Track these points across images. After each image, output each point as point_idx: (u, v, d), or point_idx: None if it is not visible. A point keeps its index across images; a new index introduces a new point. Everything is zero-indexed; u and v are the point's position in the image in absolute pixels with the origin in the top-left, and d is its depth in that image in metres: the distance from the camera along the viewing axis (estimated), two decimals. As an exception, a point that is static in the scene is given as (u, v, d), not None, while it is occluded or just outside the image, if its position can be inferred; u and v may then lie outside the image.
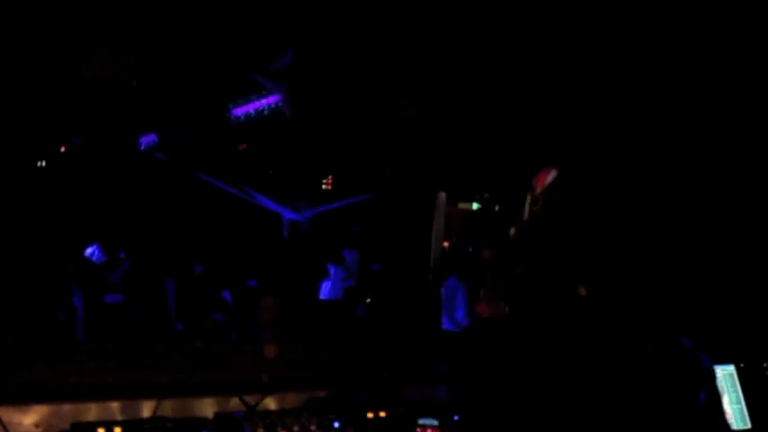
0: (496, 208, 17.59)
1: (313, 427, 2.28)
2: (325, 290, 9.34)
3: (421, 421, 2.42)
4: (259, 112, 7.74)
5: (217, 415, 2.44)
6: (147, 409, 2.46)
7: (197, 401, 2.57)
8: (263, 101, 7.63)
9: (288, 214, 9.26)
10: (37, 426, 2.33)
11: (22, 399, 2.36)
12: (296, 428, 2.25)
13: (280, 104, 7.43)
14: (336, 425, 2.33)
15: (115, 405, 2.48)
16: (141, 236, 9.15)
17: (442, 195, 14.63)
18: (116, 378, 2.60)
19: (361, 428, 2.33)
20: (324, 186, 11.27)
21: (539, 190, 1.64)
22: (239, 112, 7.99)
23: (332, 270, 9.12)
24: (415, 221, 12.45)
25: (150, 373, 2.69)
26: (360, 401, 2.74)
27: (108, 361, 2.78)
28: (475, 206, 18.22)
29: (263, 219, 9.28)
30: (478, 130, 9.16)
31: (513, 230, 1.69)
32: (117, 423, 2.21)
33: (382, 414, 2.48)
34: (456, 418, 2.54)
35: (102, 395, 2.49)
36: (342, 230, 10.19)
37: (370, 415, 2.47)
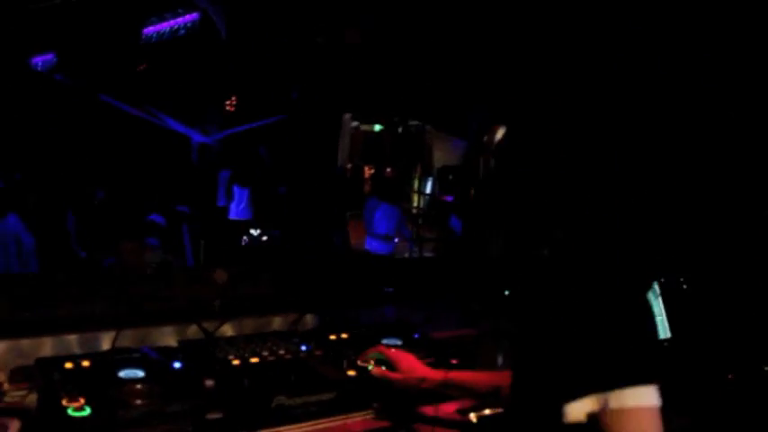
0: (399, 130, 17.70)
1: (282, 351, 2.31)
2: (233, 211, 9.32)
3: (384, 341, 2.49)
4: (174, 32, 7.39)
5: (182, 342, 2.44)
6: (106, 342, 2.43)
7: (155, 330, 2.56)
8: (180, 19, 7.28)
9: (197, 137, 9.03)
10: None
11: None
12: (265, 353, 2.28)
13: (196, 24, 7.13)
14: (304, 347, 2.37)
15: (72, 338, 2.43)
16: (39, 161, 8.75)
17: (347, 117, 14.64)
18: (69, 311, 2.53)
19: (328, 350, 2.38)
20: (227, 108, 11.01)
21: (491, 147, 1.64)
22: (151, 31, 7.60)
23: (237, 191, 9.08)
24: (322, 143, 12.42)
25: (103, 304, 2.63)
26: (318, 325, 2.80)
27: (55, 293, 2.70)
28: (377, 128, 18.28)
29: (170, 142, 9.01)
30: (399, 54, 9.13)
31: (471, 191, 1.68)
32: (83, 356, 2.17)
33: (344, 336, 2.54)
34: (416, 336, 2.63)
35: (57, 329, 2.44)
36: (249, 153, 10.02)
37: (332, 337, 2.52)
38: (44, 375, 2.03)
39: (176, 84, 8.60)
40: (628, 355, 1.39)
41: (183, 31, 7.25)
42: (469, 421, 2.20)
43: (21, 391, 2.18)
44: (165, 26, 7.39)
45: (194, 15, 7.09)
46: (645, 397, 1.37)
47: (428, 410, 2.22)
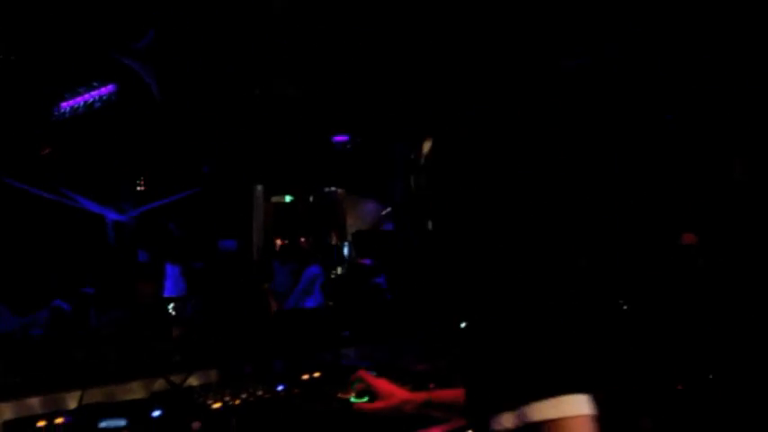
0: (311, 199, 17.77)
1: (260, 392, 2.28)
2: (168, 288, 9.07)
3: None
4: (88, 106, 7.23)
5: (154, 394, 2.37)
6: (72, 401, 2.33)
7: (121, 388, 2.48)
8: (94, 92, 7.13)
9: (111, 215, 8.81)
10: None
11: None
12: (244, 396, 2.24)
13: (113, 96, 7.02)
14: (281, 387, 2.35)
15: (35, 401, 2.33)
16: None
17: (259, 189, 14.62)
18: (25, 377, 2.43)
19: (303, 389, 2.37)
20: (138, 188, 10.81)
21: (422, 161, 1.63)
22: (64, 107, 7.41)
23: (169, 269, 8.83)
24: (235, 216, 12.35)
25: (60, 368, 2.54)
26: (286, 369, 2.77)
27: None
28: (288, 199, 18.30)
29: (82, 222, 8.73)
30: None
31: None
32: (57, 413, 2.08)
33: (317, 374, 2.53)
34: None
35: (16, 394, 2.33)
36: (165, 229, 9.84)
37: (305, 377, 2.51)
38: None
39: (89, 161, 8.41)
40: (545, 365, 1.32)
41: (98, 104, 7.11)
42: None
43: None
44: (79, 101, 7.23)
45: (110, 87, 6.98)
46: (569, 406, 1.30)
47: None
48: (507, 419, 1.34)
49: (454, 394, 2.15)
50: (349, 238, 15.92)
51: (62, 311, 6.94)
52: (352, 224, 15.22)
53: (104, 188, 8.85)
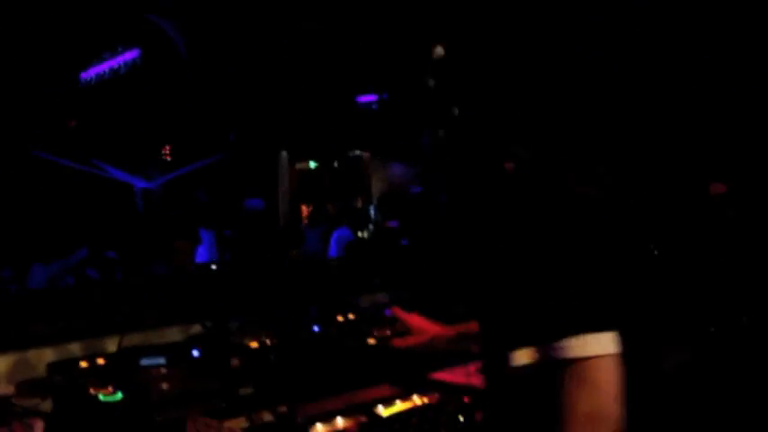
0: (336, 164, 17.79)
1: (297, 333, 2.31)
2: (200, 254, 9.13)
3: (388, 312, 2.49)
4: (114, 71, 7.24)
5: (194, 336, 2.41)
6: (111, 346, 2.38)
7: (158, 333, 2.52)
8: (119, 58, 7.13)
9: (139, 183, 8.88)
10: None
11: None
12: (274, 341, 2.27)
13: (137, 60, 7.03)
14: (316, 329, 2.37)
15: (74, 346, 2.38)
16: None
17: (284, 155, 14.65)
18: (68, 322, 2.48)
19: (339, 329, 2.39)
20: (165, 156, 10.86)
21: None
22: (89, 74, 7.42)
23: (204, 235, 8.90)
24: (261, 183, 12.41)
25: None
26: (320, 313, 2.79)
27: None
28: (312, 165, 18.33)
29: (110, 191, 8.80)
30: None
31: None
32: (98, 355, 2.13)
33: (351, 316, 2.55)
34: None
35: (57, 339, 2.38)
36: (192, 197, 9.91)
37: (340, 318, 2.53)
38: (64, 373, 1.98)
39: (116, 129, 8.44)
40: (572, 302, 1.25)
41: (123, 69, 7.10)
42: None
43: (33, 400, 2.11)
44: (104, 67, 7.22)
45: (134, 52, 6.97)
46: (596, 345, 1.22)
47: (445, 374, 2.24)
48: (526, 356, 1.28)
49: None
50: (375, 201, 15.94)
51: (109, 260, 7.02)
52: (378, 187, 15.24)
53: (131, 156, 8.91)
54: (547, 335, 1.24)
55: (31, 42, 6.52)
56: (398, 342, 2.20)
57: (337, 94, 10.68)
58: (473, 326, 2.17)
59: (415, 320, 2.24)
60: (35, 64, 6.88)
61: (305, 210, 18.90)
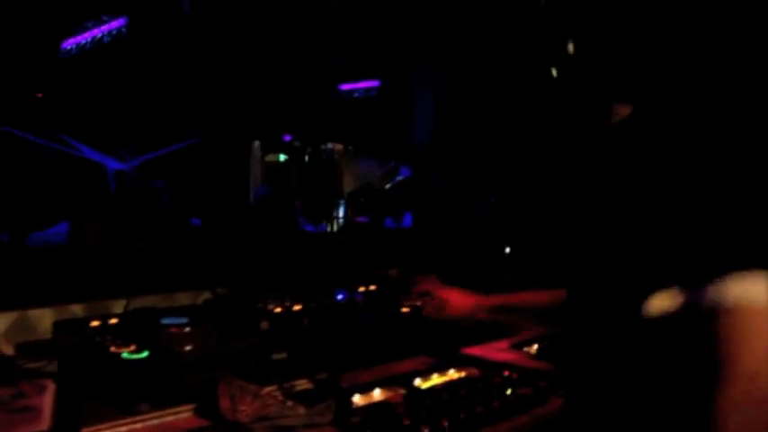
0: (306, 158, 17.61)
1: (321, 299, 2.16)
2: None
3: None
4: (97, 42, 6.92)
5: (207, 300, 2.25)
6: (117, 308, 2.20)
7: (166, 297, 2.35)
8: (104, 27, 6.81)
9: (113, 164, 8.57)
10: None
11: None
12: (300, 306, 2.12)
13: (123, 29, 6.74)
14: (340, 296, 2.23)
15: (77, 308, 2.20)
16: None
17: (257, 144, 14.44)
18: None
19: (366, 297, 2.25)
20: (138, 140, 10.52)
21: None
22: (70, 44, 7.08)
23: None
24: (232, 170, 12.20)
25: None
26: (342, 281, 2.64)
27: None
28: (282, 158, 18.12)
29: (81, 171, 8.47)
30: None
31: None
32: (109, 315, 1.95)
33: (373, 287, 2.41)
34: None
35: (58, 300, 2.20)
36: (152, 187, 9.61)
37: (362, 289, 2.39)
38: (74, 332, 1.81)
39: (92, 105, 8.14)
40: (739, 235, 0.96)
41: (107, 39, 6.78)
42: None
43: (39, 362, 1.93)
44: (86, 36, 6.88)
45: (120, 21, 6.66)
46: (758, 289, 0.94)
47: (477, 350, 2.12)
48: (665, 301, 1.01)
49: (532, 296, 2.04)
50: (345, 196, 15.80)
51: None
52: (348, 183, 15.10)
53: (106, 136, 8.60)
54: (701, 274, 0.98)
55: (11, 9, 6.24)
56: (434, 313, 2.07)
57: (318, 81, 10.51)
58: (515, 297, 2.05)
59: (451, 293, 2.11)
60: (10, 30, 6.58)
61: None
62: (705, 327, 0.97)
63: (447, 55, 4.66)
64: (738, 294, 0.95)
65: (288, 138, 14.69)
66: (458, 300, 2.10)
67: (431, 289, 2.14)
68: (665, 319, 1.02)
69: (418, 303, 2.11)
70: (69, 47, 7.13)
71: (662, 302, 1.02)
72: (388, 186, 14.35)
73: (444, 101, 4.76)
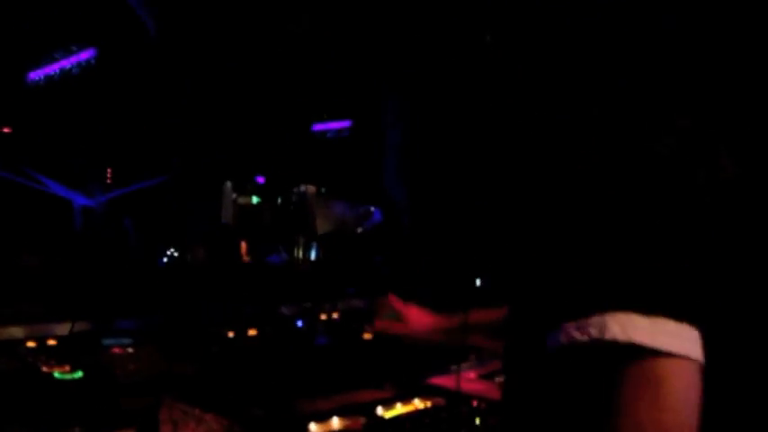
0: (279, 201, 17.50)
1: (277, 326, 2.04)
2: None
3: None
4: (65, 73, 6.79)
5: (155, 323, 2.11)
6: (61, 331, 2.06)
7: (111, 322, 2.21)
8: (72, 58, 6.68)
9: (79, 200, 8.38)
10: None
11: None
12: (255, 331, 1.99)
13: (92, 61, 6.63)
14: (300, 323, 2.11)
15: (17, 330, 2.05)
16: None
17: (229, 185, 14.32)
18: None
19: (324, 326, 2.13)
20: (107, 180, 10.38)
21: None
22: (38, 74, 6.93)
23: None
24: (204, 210, 12.05)
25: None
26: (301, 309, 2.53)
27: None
28: (255, 200, 18.00)
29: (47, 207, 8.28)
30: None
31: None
32: (48, 336, 1.82)
33: (335, 315, 2.30)
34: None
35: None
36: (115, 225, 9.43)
37: (323, 317, 2.27)
38: (7, 353, 1.67)
39: (60, 138, 7.99)
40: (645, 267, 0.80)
41: (76, 70, 6.65)
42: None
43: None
44: (54, 68, 6.73)
45: (90, 52, 6.54)
46: (671, 338, 0.77)
47: (446, 380, 2.00)
48: (568, 334, 0.82)
49: (493, 315, 1.91)
50: (317, 239, 15.65)
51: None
52: (322, 225, 14.98)
53: (73, 171, 8.44)
54: (600, 302, 0.80)
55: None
56: (396, 328, 1.94)
57: (291, 122, 10.46)
58: (479, 315, 1.93)
59: (412, 311, 1.99)
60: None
61: (244, 246, 18.47)
62: (607, 368, 0.80)
63: (417, 92, 4.62)
64: (649, 336, 0.77)
65: (261, 179, 14.58)
66: (421, 320, 1.98)
67: (394, 309, 2.01)
68: (564, 357, 0.84)
69: (381, 330, 1.99)
70: (37, 78, 7.00)
71: (564, 336, 0.83)
72: (359, 231, 14.23)
73: (415, 141, 4.71)
